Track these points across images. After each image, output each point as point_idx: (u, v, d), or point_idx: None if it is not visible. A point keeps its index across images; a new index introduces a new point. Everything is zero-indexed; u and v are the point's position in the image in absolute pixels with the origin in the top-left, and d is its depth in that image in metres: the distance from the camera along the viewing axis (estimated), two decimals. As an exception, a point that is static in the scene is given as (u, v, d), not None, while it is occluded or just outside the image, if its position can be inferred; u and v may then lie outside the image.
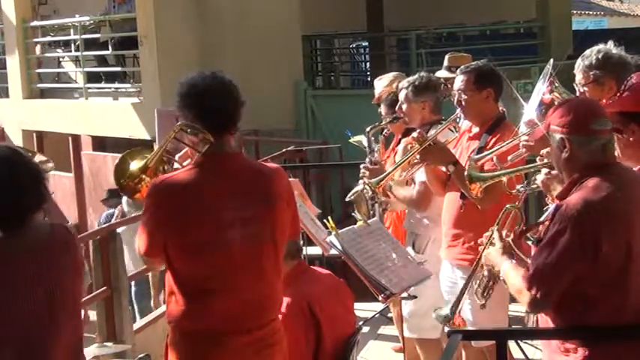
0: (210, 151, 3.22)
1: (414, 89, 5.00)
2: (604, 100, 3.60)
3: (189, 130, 3.25)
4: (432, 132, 4.79)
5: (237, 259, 3.20)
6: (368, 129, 5.44)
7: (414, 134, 4.46)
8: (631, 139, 3.09)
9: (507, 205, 3.48)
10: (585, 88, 3.95)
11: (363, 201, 5.57)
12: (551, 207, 3.10)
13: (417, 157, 4.41)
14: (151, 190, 3.23)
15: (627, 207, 2.87)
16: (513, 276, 3.02)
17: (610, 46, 3.97)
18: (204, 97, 3.22)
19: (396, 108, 5.19)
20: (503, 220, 3.46)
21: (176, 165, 3.43)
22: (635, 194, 2.92)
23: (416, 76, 5.10)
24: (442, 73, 6.57)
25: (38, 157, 3.88)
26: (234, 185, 3.23)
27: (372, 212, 5.29)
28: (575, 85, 4.04)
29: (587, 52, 3.99)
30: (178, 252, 3.19)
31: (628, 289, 2.86)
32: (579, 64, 3.98)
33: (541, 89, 4.11)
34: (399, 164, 4.60)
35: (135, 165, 3.46)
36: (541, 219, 3.28)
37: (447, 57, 6.70)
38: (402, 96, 5.08)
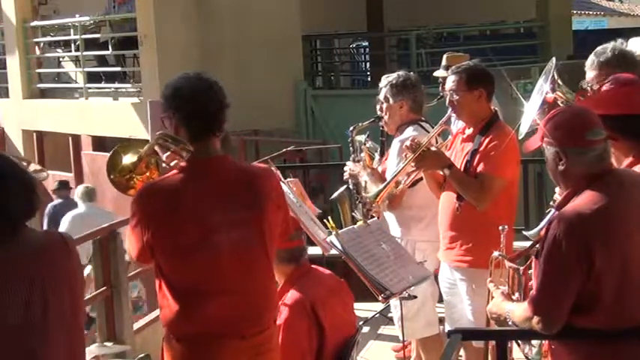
0: (195, 154, 3.19)
1: (392, 88, 5.03)
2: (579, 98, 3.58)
3: (169, 140, 3.22)
4: (408, 130, 4.91)
5: (225, 262, 3.17)
6: (351, 128, 5.47)
7: (407, 142, 4.48)
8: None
9: (495, 253, 3.45)
10: (597, 86, 3.90)
11: (347, 200, 5.61)
12: (549, 216, 3.08)
13: (413, 164, 4.45)
14: (137, 196, 3.23)
15: (624, 215, 2.83)
16: (518, 310, 2.98)
17: (624, 44, 3.93)
18: (189, 100, 3.19)
19: (377, 107, 5.23)
20: (493, 270, 3.42)
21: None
22: (634, 200, 2.88)
23: (395, 74, 5.12)
24: (440, 73, 6.58)
25: (32, 167, 3.86)
26: (220, 188, 3.20)
27: (355, 211, 5.34)
28: (581, 83, 4.00)
29: (600, 49, 3.93)
30: (166, 256, 3.18)
31: (625, 297, 2.82)
32: (593, 61, 3.92)
33: (543, 88, 4.09)
34: (395, 175, 4.61)
35: (127, 160, 3.42)
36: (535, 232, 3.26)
37: (445, 56, 6.70)
38: (381, 95, 5.12)
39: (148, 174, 3.41)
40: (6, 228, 2.67)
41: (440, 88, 6.61)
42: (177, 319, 3.20)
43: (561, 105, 4.12)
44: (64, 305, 2.73)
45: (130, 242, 3.24)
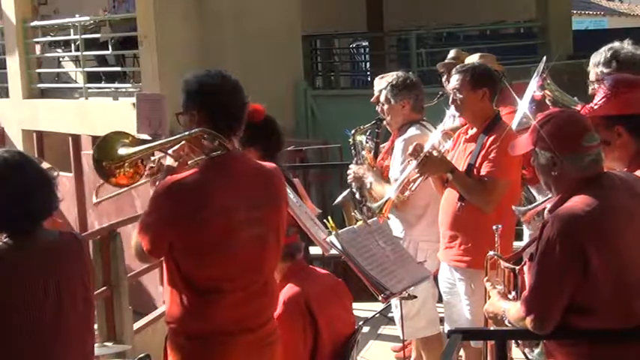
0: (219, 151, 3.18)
1: (393, 89, 5.04)
2: (585, 106, 3.58)
3: (205, 136, 3.17)
4: (411, 130, 4.93)
5: (242, 258, 3.18)
6: (352, 131, 5.47)
7: (410, 149, 4.49)
8: (617, 142, 3.07)
9: (490, 253, 3.46)
10: (596, 86, 3.91)
11: (351, 205, 5.62)
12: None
13: (416, 170, 4.46)
14: (161, 190, 3.14)
15: (617, 217, 2.83)
16: (512, 309, 2.99)
17: (624, 44, 3.93)
18: (216, 96, 3.18)
19: (379, 109, 5.24)
20: (490, 269, 3.42)
21: (169, 160, 3.33)
22: (626, 201, 2.88)
23: (394, 74, 5.13)
24: (447, 60, 6.48)
25: (44, 165, 3.83)
26: (243, 186, 3.21)
27: (355, 211, 5.35)
28: (588, 82, 4.01)
29: (601, 49, 3.95)
30: (186, 253, 3.14)
31: (623, 298, 2.82)
32: (591, 62, 3.94)
33: (532, 86, 4.11)
34: (400, 184, 4.62)
35: (123, 150, 3.32)
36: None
37: (454, 50, 6.64)
38: (382, 97, 5.13)
39: (133, 170, 3.34)
40: (28, 227, 2.69)
41: (444, 79, 6.55)
42: (190, 317, 3.17)
43: (549, 103, 4.13)
44: (77, 304, 2.75)
45: (144, 235, 3.14)
